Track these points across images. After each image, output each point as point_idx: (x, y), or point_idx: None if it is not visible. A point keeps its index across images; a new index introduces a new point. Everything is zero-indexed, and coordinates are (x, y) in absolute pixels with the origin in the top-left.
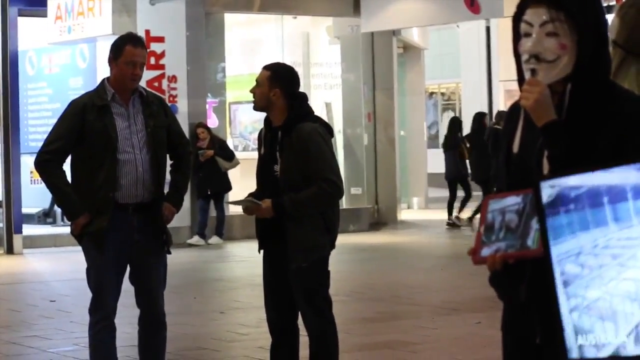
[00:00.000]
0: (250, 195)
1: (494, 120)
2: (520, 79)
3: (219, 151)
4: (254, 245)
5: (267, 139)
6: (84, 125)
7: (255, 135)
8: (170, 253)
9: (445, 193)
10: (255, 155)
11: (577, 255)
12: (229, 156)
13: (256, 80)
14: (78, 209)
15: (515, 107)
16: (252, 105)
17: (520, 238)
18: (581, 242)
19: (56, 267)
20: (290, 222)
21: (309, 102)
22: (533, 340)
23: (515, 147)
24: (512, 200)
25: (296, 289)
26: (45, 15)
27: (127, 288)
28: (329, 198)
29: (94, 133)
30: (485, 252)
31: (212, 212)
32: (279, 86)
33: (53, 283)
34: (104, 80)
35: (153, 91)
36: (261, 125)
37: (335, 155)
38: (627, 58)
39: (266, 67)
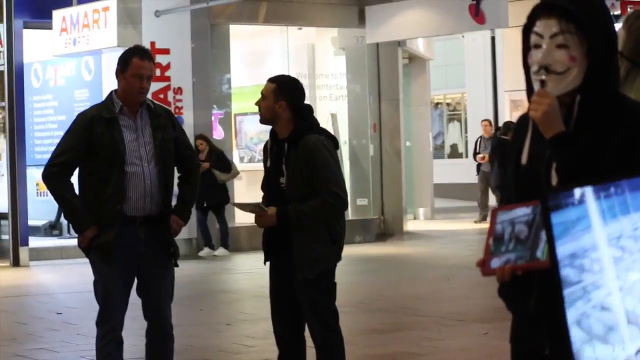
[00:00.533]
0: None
1: (500, 130)
2: (529, 90)
3: (215, 163)
4: (260, 256)
5: (273, 151)
6: (91, 138)
7: (261, 146)
8: (177, 266)
9: (451, 204)
10: (261, 166)
11: (617, 238)
12: (226, 168)
13: (261, 93)
14: (86, 221)
15: (524, 118)
16: (258, 117)
17: (530, 249)
18: (622, 226)
19: (63, 279)
20: (295, 234)
21: (314, 114)
22: (542, 351)
23: (524, 159)
24: (522, 212)
25: (302, 301)
26: (50, 28)
27: (135, 300)
28: (332, 211)
29: (101, 145)
30: (495, 263)
31: (216, 224)
32: (284, 98)
33: (59, 295)
34: (111, 92)
35: (161, 104)
36: (267, 136)
37: (340, 167)
38: (633, 69)
39: (271, 80)
